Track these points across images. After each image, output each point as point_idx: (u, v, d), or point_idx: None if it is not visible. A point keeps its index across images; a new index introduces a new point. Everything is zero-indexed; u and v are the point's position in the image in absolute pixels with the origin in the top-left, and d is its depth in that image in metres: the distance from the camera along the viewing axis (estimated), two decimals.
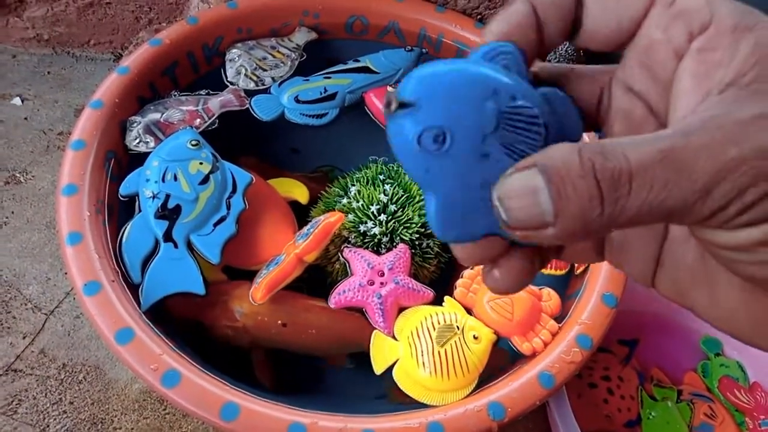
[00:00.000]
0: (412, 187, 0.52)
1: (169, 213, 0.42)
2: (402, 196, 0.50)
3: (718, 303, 0.16)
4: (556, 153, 0.14)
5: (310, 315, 0.46)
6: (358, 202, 0.50)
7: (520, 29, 0.16)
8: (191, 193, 0.43)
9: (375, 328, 0.44)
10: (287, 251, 0.45)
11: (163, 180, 0.43)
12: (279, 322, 0.45)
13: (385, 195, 0.50)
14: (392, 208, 0.49)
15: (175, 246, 0.42)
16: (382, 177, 0.52)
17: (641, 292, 0.55)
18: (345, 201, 0.51)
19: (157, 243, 0.42)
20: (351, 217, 0.49)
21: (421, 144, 0.15)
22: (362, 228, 0.48)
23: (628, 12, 0.16)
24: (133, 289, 0.41)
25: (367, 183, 0.52)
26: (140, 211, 0.43)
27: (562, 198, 0.13)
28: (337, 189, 0.53)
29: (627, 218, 0.13)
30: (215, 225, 0.43)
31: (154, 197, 0.42)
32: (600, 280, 0.44)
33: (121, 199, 0.44)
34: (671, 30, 0.15)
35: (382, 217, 0.49)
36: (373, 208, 0.49)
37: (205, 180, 0.44)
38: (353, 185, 0.52)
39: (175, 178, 0.43)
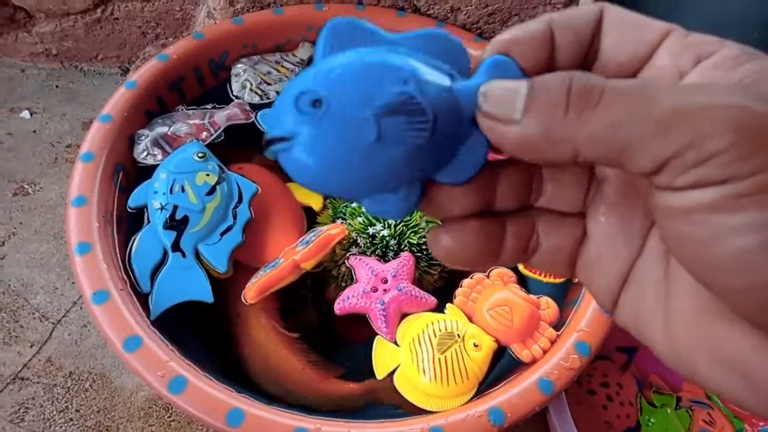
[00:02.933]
0: None
1: (177, 224, 0.43)
2: None
3: (671, 328, 0.16)
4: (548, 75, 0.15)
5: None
6: None
7: (530, 44, 0.16)
8: (198, 204, 0.44)
9: (377, 337, 0.45)
10: (285, 256, 0.46)
11: (171, 192, 0.44)
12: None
13: None
14: None
15: (184, 255, 0.43)
16: None
17: None
18: (354, 204, 0.51)
19: (165, 253, 0.43)
20: (360, 219, 0.50)
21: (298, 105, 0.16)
22: (371, 230, 0.49)
23: (646, 40, 0.16)
24: (141, 297, 0.42)
25: None
26: (149, 222, 0.44)
27: (535, 97, 0.14)
28: None
29: (586, 135, 0.13)
30: (222, 234, 0.44)
31: (162, 208, 0.43)
32: None
33: (130, 210, 0.45)
34: (681, 57, 0.16)
35: (391, 220, 0.50)
36: None
37: (212, 191, 0.45)
38: None
39: (183, 190, 0.44)
